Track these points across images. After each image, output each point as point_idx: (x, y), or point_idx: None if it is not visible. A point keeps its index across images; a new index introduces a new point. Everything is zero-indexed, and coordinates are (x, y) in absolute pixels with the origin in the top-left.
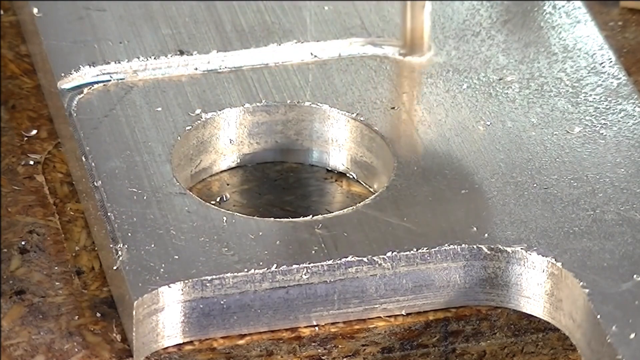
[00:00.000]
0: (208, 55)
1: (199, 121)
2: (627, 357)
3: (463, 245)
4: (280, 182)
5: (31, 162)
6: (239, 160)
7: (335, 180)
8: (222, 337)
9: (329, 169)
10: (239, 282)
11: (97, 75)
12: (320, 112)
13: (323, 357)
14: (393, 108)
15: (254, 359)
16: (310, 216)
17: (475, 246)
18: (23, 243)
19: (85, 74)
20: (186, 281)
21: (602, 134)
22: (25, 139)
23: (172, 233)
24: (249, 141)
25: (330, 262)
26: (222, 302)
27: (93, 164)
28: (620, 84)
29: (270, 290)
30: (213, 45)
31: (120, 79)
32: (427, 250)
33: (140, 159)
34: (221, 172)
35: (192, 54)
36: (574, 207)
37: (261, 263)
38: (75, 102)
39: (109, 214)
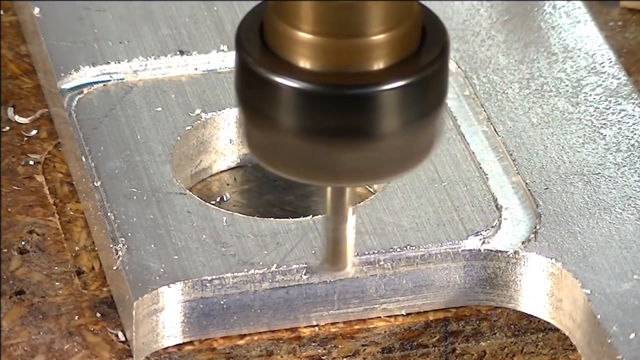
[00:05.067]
0: (208, 55)
1: (199, 121)
2: (627, 357)
3: (463, 245)
4: (280, 182)
5: (31, 162)
6: (239, 160)
7: None
8: (222, 337)
9: None
10: (239, 282)
11: (97, 75)
12: None
13: (323, 357)
14: None
15: (254, 359)
16: (310, 216)
17: (475, 246)
18: (23, 243)
19: (85, 74)
20: (186, 281)
21: (602, 134)
22: (25, 139)
23: (172, 233)
24: None
25: None
26: (222, 302)
27: (93, 164)
28: (620, 84)
29: (270, 290)
30: (213, 45)
31: (120, 79)
32: (427, 250)
33: (140, 159)
34: (221, 172)
35: (192, 54)
36: (574, 207)
37: (261, 263)
38: (75, 102)
39: (109, 214)
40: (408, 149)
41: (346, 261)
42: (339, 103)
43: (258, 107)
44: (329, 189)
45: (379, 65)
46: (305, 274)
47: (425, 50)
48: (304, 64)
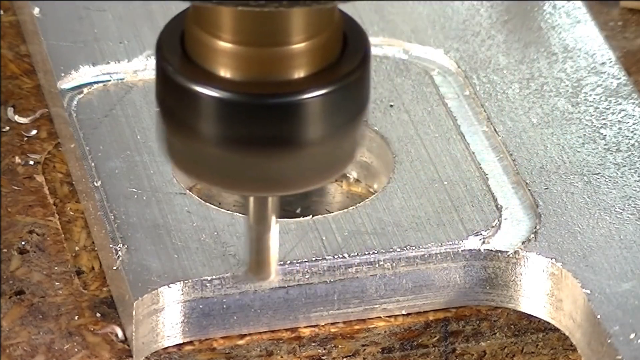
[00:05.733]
0: None
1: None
2: (627, 357)
3: (463, 245)
4: None
5: (31, 162)
6: None
7: (335, 180)
8: (222, 337)
9: None
10: (239, 282)
11: (97, 75)
12: None
13: (323, 357)
14: (392, 106)
15: (254, 359)
16: (310, 216)
17: (475, 246)
18: (23, 243)
19: (85, 74)
20: (186, 281)
21: (602, 134)
22: (25, 139)
23: (172, 233)
24: None
25: (330, 262)
26: (222, 302)
27: (93, 164)
28: (620, 84)
29: (270, 290)
30: None
31: (120, 79)
32: (427, 250)
33: (140, 159)
34: None
35: None
36: (574, 207)
37: None
38: (75, 102)
39: (109, 214)
40: (331, 157)
41: (270, 270)
42: (260, 112)
43: (179, 117)
44: (251, 198)
45: (300, 73)
46: (305, 274)
47: (346, 58)
48: (225, 73)
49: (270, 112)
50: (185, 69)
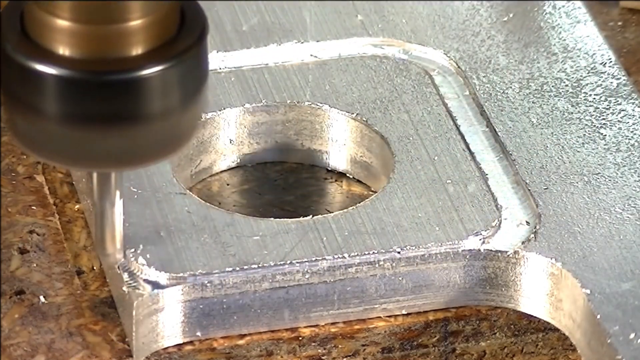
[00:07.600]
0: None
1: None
2: (627, 357)
3: (463, 245)
4: (280, 182)
5: (31, 162)
6: (239, 160)
7: (335, 180)
8: (222, 337)
9: (329, 169)
10: (239, 282)
11: None
12: (320, 112)
13: (323, 357)
14: (392, 106)
15: (254, 359)
16: (310, 216)
17: (475, 246)
18: (23, 243)
19: None
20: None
21: (602, 134)
22: None
23: (172, 233)
24: (249, 141)
25: (330, 262)
26: (222, 302)
27: None
28: (620, 84)
29: (270, 290)
30: (213, 45)
31: None
32: (427, 250)
33: None
34: (221, 172)
35: None
36: (574, 207)
37: (261, 263)
38: None
39: None
40: (171, 133)
41: (115, 246)
42: (99, 89)
43: (19, 95)
44: (94, 175)
45: (137, 50)
46: (305, 274)
47: (183, 35)
48: (63, 51)
49: (108, 89)
50: (23, 47)
